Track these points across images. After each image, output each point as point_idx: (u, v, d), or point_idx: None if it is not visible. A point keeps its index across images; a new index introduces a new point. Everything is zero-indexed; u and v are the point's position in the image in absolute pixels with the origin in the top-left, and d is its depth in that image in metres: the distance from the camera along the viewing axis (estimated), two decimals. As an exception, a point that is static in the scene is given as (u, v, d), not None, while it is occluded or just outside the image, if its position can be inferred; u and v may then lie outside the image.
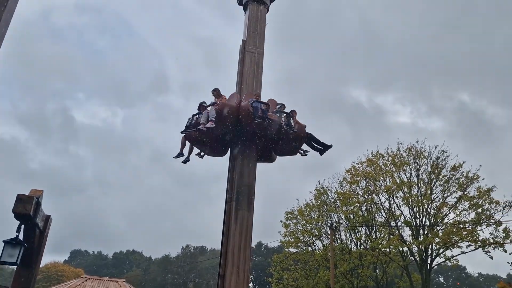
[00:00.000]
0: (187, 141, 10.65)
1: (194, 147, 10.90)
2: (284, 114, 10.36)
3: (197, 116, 10.35)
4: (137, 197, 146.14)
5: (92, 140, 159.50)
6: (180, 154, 10.54)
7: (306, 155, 11.22)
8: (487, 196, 27.99)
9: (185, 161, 10.65)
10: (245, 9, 13.18)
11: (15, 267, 4.97)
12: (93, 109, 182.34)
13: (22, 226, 4.81)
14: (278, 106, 10.76)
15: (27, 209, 4.41)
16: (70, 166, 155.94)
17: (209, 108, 10.26)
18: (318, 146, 11.39)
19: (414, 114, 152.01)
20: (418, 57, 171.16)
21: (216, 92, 10.86)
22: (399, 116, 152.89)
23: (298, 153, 11.13)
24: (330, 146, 11.27)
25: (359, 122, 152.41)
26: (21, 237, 4.91)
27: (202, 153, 11.01)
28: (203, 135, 10.29)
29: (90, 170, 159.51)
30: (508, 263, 8.55)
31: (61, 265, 71.42)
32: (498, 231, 26.93)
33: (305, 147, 11.26)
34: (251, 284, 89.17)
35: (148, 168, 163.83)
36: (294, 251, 39.34)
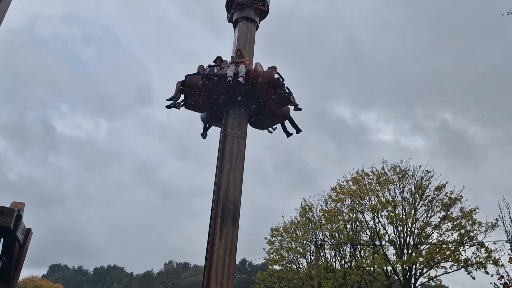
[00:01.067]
0: (182, 88, 11.12)
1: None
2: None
3: (217, 67, 10.97)
4: (119, 211, 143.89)
5: (73, 152, 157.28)
6: (174, 98, 10.98)
7: (271, 132, 12.18)
8: (469, 217, 28.35)
9: (177, 106, 11.02)
10: (235, 26, 13.37)
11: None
12: (75, 120, 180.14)
13: (1, 240, 4.69)
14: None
15: (8, 222, 4.31)
16: (50, 178, 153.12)
17: (231, 65, 10.99)
18: (288, 131, 12.04)
19: (397, 132, 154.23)
20: (402, 76, 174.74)
21: (239, 53, 11.51)
22: (382, 133, 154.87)
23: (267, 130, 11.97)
24: (299, 131, 11.87)
25: (343, 139, 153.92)
26: (-1, 250, 4.79)
27: (187, 102, 11.36)
28: (203, 88, 10.96)
29: (71, 182, 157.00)
30: (491, 283, 8.66)
31: (40, 279, 69.46)
32: (480, 252, 27.23)
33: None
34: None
35: (131, 181, 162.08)
36: (279, 269, 39.01)
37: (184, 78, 11.00)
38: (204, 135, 12.51)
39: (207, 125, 12.46)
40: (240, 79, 10.42)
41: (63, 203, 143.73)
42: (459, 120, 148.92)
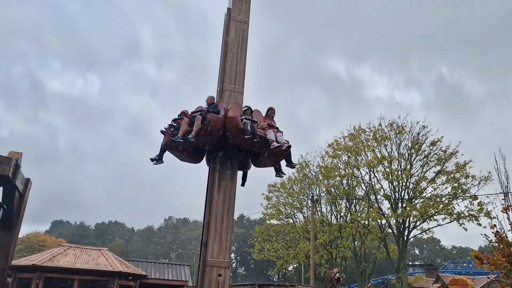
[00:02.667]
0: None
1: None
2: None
3: (252, 122, 9.14)
4: (115, 168, 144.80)
5: (63, 109, 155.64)
6: (182, 138, 9.05)
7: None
8: (463, 171, 28.77)
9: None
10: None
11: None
12: (62, 76, 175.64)
13: (1, 188, 4.70)
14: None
15: (6, 171, 4.30)
16: (42, 135, 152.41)
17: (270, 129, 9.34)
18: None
19: (391, 86, 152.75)
20: (397, 28, 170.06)
21: (249, 111, 9.71)
22: (377, 87, 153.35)
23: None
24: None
25: (337, 94, 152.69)
26: None
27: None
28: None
29: (64, 140, 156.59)
30: (481, 234, 8.94)
31: (42, 235, 71.16)
32: (473, 205, 27.87)
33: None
34: (232, 255, 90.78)
35: (125, 138, 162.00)
36: (276, 223, 40.01)
37: (203, 114, 8.99)
38: (155, 161, 9.73)
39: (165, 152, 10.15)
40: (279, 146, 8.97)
41: (58, 160, 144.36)
42: (455, 73, 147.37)
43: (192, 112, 9.36)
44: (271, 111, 9.97)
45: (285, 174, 10.48)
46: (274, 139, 9.11)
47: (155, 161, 9.56)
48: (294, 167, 10.34)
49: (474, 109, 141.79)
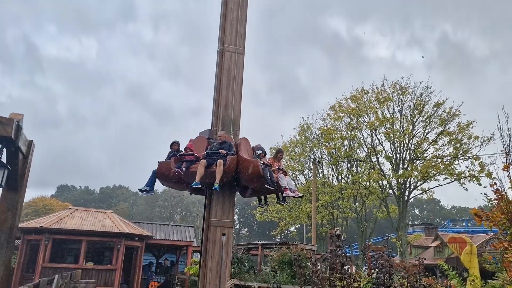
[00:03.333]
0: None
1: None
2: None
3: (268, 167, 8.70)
4: (115, 133, 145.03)
5: (61, 72, 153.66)
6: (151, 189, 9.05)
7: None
8: (466, 131, 28.73)
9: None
10: None
11: (1, 190, 4.96)
12: (57, 38, 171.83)
13: (4, 150, 4.72)
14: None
15: (8, 132, 4.30)
16: (40, 100, 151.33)
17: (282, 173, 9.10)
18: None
19: (393, 46, 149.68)
20: None
21: (263, 154, 9.36)
22: (378, 47, 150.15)
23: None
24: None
25: (337, 55, 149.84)
26: (3, 160, 4.85)
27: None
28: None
29: (63, 104, 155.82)
30: (481, 193, 9.04)
31: (49, 199, 72.48)
32: (474, 165, 28.03)
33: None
34: (236, 217, 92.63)
35: (123, 103, 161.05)
36: (278, 185, 40.50)
37: (224, 158, 8.56)
38: (146, 192, 9.27)
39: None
40: (293, 193, 8.75)
41: (58, 125, 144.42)
42: (459, 31, 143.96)
43: (207, 153, 8.73)
44: (280, 154, 9.77)
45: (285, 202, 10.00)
46: (287, 187, 8.91)
47: (145, 192, 9.01)
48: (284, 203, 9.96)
49: (477, 68, 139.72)
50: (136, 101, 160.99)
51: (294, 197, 8.96)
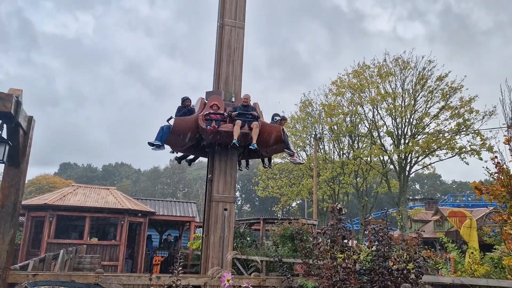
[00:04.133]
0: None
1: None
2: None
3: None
4: (114, 110, 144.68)
5: (57, 49, 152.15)
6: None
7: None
8: (468, 106, 28.57)
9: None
10: None
11: (3, 167, 4.99)
12: (51, 14, 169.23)
13: (4, 126, 4.72)
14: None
15: (7, 107, 4.28)
16: (38, 78, 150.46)
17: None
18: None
19: (395, 18, 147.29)
20: None
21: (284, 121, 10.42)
22: (380, 20, 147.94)
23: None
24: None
25: (338, 28, 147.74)
26: (4, 136, 4.86)
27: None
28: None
29: (61, 82, 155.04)
30: (483, 167, 9.07)
31: (52, 177, 73.05)
32: (475, 139, 27.99)
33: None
34: (238, 193, 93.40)
35: (122, 80, 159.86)
36: (279, 161, 40.66)
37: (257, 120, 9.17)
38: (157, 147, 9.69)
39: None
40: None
41: (57, 103, 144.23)
42: (462, 2, 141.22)
43: (240, 114, 9.19)
44: (284, 121, 10.37)
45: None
46: (294, 152, 9.94)
47: (156, 147, 9.10)
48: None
49: (480, 41, 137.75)
50: (135, 78, 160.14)
51: (299, 163, 9.78)
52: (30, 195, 50.36)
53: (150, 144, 9.02)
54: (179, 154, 10.90)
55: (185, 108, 9.84)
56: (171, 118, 9.33)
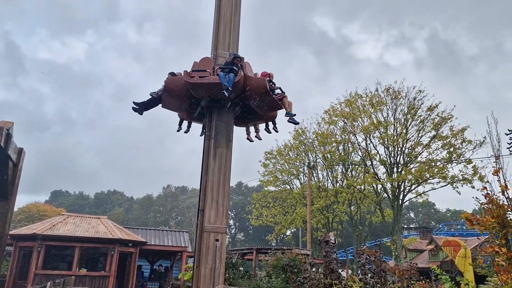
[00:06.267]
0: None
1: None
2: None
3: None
4: (105, 136, 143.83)
5: (44, 74, 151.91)
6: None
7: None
8: (460, 135, 28.93)
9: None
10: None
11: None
12: (39, 38, 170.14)
13: (-6, 158, 4.71)
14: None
15: (-3, 140, 4.29)
16: (26, 102, 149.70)
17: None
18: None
19: (382, 45, 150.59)
20: None
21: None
22: (367, 47, 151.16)
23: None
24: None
25: (326, 54, 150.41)
26: (-7, 169, 4.84)
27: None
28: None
29: (50, 107, 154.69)
30: (473, 197, 9.13)
31: (42, 205, 71.94)
32: (467, 169, 28.22)
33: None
34: (231, 221, 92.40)
35: (111, 105, 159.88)
36: (273, 190, 40.56)
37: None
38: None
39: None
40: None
41: (47, 128, 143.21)
42: (449, 29, 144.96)
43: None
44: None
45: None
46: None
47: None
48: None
49: (467, 66, 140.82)
50: (123, 103, 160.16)
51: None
52: (19, 223, 49.50)
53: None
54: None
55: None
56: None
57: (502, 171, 8.78)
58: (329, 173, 37.31)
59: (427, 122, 30.27)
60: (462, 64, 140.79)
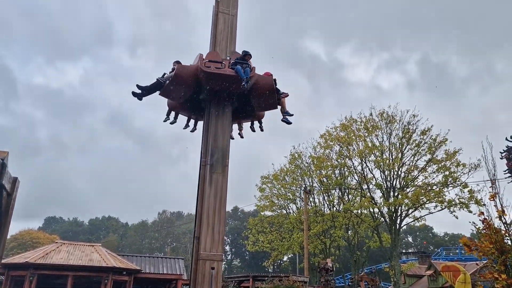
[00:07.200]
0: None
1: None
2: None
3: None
4: (99, 161, 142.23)
5: (37, 99, 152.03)
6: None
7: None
8: (454, 159, 29.05)
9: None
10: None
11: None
12: (33, 63, 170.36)
13: (-12, 188, 4.67)
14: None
15: (-8, 170, 4.26)
16: (18, 127, 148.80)
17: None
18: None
19: (374, 67, 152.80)
20: (380, 7, 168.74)
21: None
22: (359, 70, 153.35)
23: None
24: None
25: (318, 77, 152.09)
26: (-13, 199, 4.79)
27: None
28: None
29: (42, 132, 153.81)
30: (470, 222, 9.11)
31: (36, 232, 70.80)
32: (463, 192, 28.20)
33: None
34: (227, 247, 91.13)
35: (105, 129, 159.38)
36: (269, 215, 40.21)
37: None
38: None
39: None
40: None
41: (39, 153, 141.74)
42: (440, 51, 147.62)
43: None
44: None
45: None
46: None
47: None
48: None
49: (459, 89, 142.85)
50: (117, 128, 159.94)
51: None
52: (11, 251, 48.55)
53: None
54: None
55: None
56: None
57: (499, 196, 8.82)
58: (326, 198, 37.16)
59: (422, 146, 30.44)
60: (454, 86, 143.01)
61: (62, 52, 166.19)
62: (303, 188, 36.41)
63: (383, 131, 31.73)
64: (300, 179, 38.00)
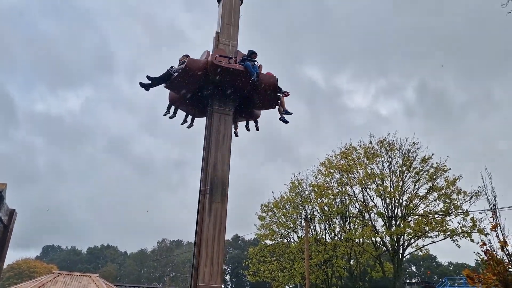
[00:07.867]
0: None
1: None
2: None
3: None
4: (98, 188, 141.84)
5: (36, 126, 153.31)
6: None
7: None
8: (454, 186, 28.92)
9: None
10: (218, 1, 13.09)
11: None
12: (35, 92, 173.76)
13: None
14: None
15: (-11, 203, 4.27)
16: (17, 154, 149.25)
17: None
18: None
19: (372, 94, 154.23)
20: (377, 35, 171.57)
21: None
22: (357, 96, 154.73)
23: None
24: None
25: (316, 104, 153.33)
26: (-17, 231, 4.77)
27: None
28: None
29: (41, 159, 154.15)
30: (474, 252, 9.03)
31: (33, 261, 69.71)
32: (466, 221, 27.91)
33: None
34: (227, 277, 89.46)
35: (104, 157, 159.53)
36: (270, 243, 39.67)
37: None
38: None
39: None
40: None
41: (37, 181, 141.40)
42: (437, 78, 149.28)
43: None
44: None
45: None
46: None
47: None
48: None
49: (457, 116, 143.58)
50: (116, 155, 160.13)
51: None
52: (8, 281, 47.72)
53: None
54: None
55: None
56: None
57: (500, 226, 8.75)
58: (327, 226, 36.75)
59: (423, 173, 30.37)
60: (453, 112, 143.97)
61: (62, 79, 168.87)
62: (303, 217, 36.07)
63: (383, 159, 31.77)
64: (301, 207, 37.70)
